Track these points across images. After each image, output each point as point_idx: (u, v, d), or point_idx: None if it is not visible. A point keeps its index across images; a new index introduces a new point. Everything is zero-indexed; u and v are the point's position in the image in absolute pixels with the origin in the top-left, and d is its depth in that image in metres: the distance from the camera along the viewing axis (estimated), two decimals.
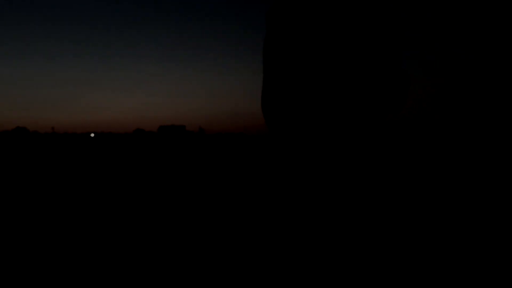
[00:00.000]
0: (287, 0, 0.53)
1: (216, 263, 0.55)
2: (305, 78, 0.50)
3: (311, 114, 0.50)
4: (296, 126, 0.51)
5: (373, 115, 0.53)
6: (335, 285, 0.50)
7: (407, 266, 0.48)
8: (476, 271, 0.46)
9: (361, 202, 0.53)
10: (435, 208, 0.51)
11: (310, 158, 0.54)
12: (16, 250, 4.52)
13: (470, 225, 0.49)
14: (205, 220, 0.59)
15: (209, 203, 0.61)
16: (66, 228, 5.37)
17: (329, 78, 0.50)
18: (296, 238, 0.53)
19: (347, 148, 0.53)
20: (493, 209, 0.49)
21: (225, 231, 0.57)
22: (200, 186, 0.63)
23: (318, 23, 0.50)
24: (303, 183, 0.56)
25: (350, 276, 0.49)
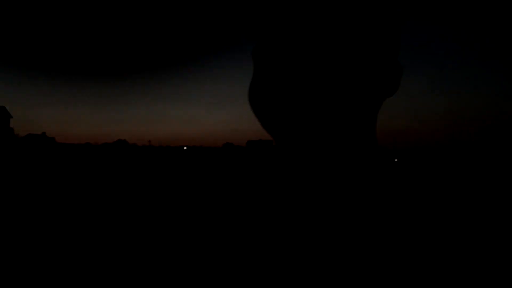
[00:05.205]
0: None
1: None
2: (301, 76, 0.49)
3: (307, 109, 0.49)
4: (290, 124, 0.50)
5: (370, 104, 0.53)
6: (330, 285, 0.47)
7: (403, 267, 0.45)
8: (473, 271, 0.43)
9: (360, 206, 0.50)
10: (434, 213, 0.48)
11: (307, 159, 0.53)
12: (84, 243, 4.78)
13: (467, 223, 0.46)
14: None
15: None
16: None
17: (326, 75, 0.49)
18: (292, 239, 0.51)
19: (345, 144, 0.53)
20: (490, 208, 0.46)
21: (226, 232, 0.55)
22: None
23: (311, 23, 0.50)
24: (300, 185, 0.54)
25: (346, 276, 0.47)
